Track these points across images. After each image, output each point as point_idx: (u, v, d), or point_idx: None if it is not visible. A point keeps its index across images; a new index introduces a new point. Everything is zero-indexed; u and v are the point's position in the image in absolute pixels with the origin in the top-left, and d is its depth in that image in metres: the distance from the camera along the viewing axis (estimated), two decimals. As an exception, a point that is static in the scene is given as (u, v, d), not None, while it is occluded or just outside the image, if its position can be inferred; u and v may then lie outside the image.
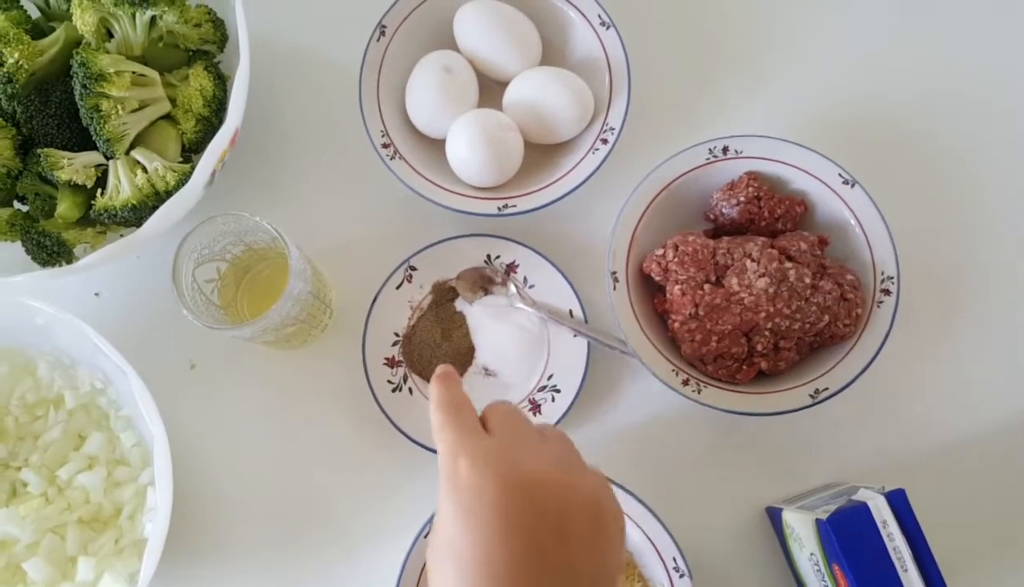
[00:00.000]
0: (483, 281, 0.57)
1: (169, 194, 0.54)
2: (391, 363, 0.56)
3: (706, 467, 0.55)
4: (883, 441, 0.55)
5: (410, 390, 0.56)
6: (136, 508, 0.52)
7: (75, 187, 0.55)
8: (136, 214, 0.53)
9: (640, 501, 0.50)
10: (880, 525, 0.45)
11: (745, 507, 0.55)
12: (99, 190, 0.55)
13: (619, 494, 0.50)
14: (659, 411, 0.56)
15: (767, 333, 0.51)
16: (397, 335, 0.57)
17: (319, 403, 0.57)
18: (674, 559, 0.50)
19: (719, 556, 0.54)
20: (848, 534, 0.45)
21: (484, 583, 0.32)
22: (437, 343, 0.56)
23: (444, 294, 0.57)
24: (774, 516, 0.54)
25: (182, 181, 0.54)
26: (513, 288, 0.56)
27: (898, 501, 0.45)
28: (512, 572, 0.32)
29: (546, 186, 0.56)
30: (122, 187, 0.54)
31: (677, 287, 0.51)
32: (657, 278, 0.53)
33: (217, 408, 0.58)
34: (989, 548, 0.53)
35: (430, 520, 0.51)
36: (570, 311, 0.56)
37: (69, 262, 0.52)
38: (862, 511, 0.45)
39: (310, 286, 0.51)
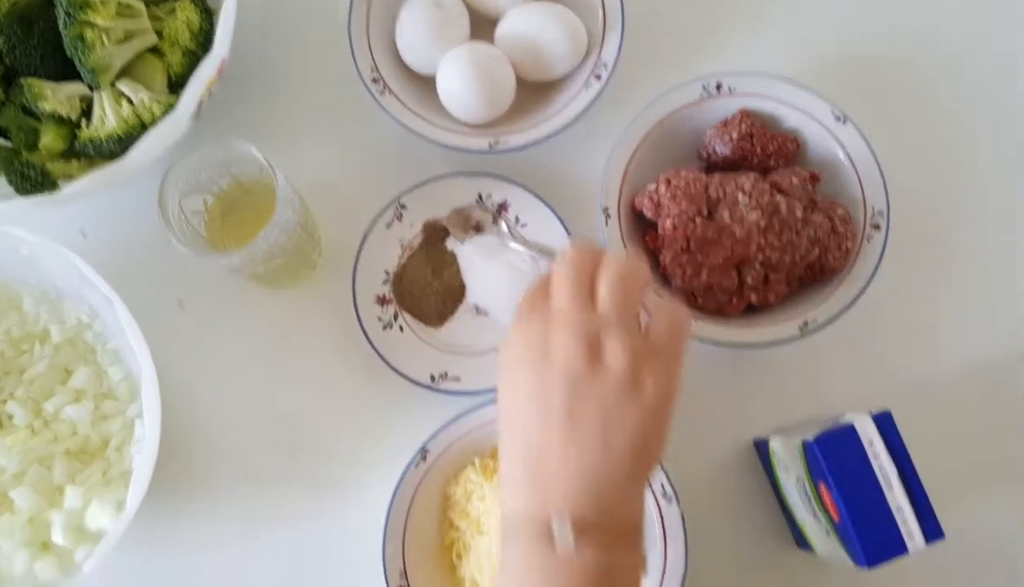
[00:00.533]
0: (474, 220, 0.57)
1: (155, 125, 0.53)
2: (382, 301, 0.56)
3: (696, 402, 0.55)
4: (871, 374, 0.56)
5: (400, 328, 0.56)
6: (123, 440, 0.52)
7: (59, 119, 0.54)
8: (122, 145, 0.52)
9: None
10: (866, 444, 0.45)
11: (733, 440, 0.55)
12: (84, 122, 0.54)
13: None
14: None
15: (758, 266, 0.51)
16: (387, 274, 0.56)
17: (309, 341, 0.57)
18: (662, 485, 0.51)
19: (706, 488, 0.54)
20: (834, 454, 0.45)
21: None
22: (428, 281, 0.56)
23: (435, 233, 0.57)
24: (761, 447, 0.54)
25: (168, 112, 0.53)
26: (504, 227, 0.56)
27: (884, 422, 0.46)
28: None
29: (538, 123, 0.56)
30: (107, 118, 0.53)
31: (669, 221, 0.52)
32: (649, 214, 0.53)
33: (206, 346, 0.57)
34: (973, 473, 0.54)
35: (420, 451, 0.51)
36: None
37: (53, 190, 0.51)
38: (848, 431, 0.46)
39: (298, 216, 0.50)
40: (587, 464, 0.37)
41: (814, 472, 0.47)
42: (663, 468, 0.51)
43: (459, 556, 0.53)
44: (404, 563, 0.51)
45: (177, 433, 0.55)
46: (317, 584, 0.54)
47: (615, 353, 0.38)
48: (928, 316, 0.57)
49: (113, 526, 0.48)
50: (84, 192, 0.50)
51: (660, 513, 0.51)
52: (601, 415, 0.37)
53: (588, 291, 0.40)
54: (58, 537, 0.49)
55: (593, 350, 0.38)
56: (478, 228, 0.57)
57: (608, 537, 0.37)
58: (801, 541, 0.53)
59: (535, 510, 0.37)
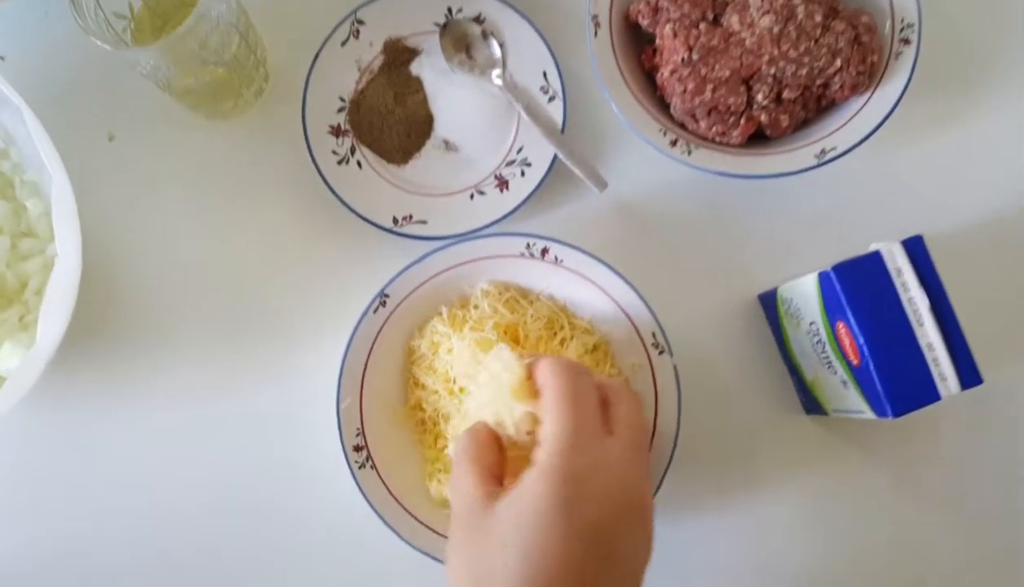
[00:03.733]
0: (468, 39, 0.50)
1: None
2: (336, 132, 0.49)
3: (694, 251, 0.49)
4: (896, 217, 0.48)
5: (359, 163, 0.49)
6: (43, 282, 0.45)
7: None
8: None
9: (616, 272, 0.44)
10: (893, 273, 0.39)
11: (735, 295, 0.49)
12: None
13: (591, 264, 0.45)
14: (646, 187, 0.50)
15: (770, 80, 0.44)
16: (343, 100, 0.49)
17: (254, 179, 0.50)
18: (653, 335, 0.45)
19: (705, 350, 0.48)
20: (856, 284, 0.39)
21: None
22: (389, 109, 0.49)
23: (398, 55, 0.50)
24: (767, 300, 0.48)
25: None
26: (496, 48, 0.49)
27: (915, 248, 0.39)
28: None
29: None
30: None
31: (668, 26, 0.44)
32: (645, 23, 0.46)
33: (139, 185, 0.50)
34: (1013, 315, 0.48)
35: (378, 295, 0.45)
36: (544, 73, 0.49)
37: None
38: (872, 259, 0.39)
39: (234, 18, 0.43)
40: None
41: (831, 309, 0.40)
42: (655, 316, 0.45)
43: (427, 419, 0.47)
44: (362, 422, 0.45)
45: (105, 282, 0.49)
46: (263, 454, 0.48)
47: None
48: (962, 148, 0.49)
49: (23, 367, 0.42)
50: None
51: (651, 364, 0.45)
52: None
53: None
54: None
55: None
56: (469, 51, 0.49)
57: None
58: (810, 406, 0.47)
59: None
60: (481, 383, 0.40)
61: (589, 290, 0.46)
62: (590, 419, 0.36)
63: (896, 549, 0.47)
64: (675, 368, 0.44)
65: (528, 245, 0.45)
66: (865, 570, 0.47)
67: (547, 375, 0.37)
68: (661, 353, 0.44)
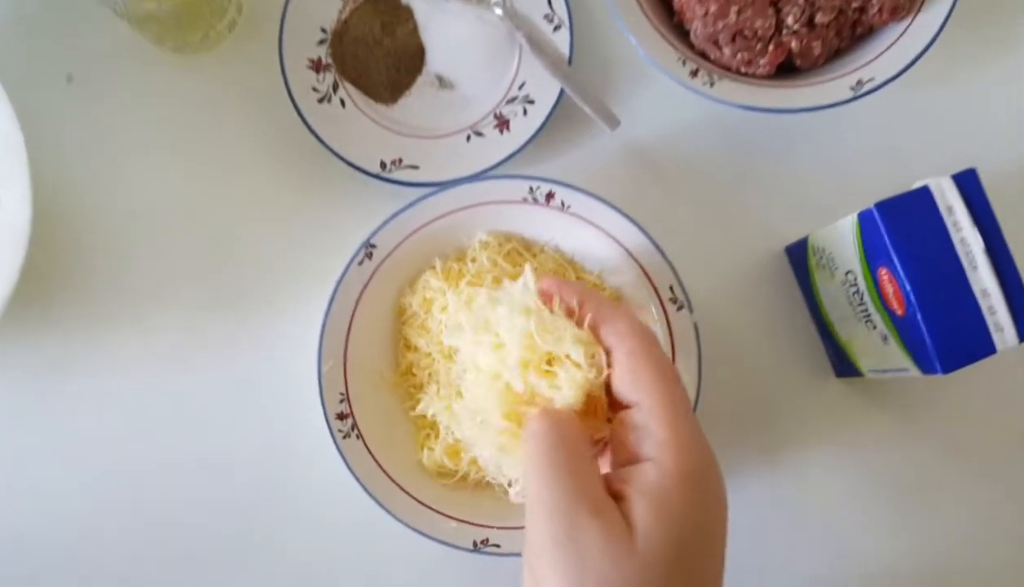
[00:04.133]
0: None
1: None
2: (317, 67, 0.44)
3: (714, 200, 0.45)
4: (939, 160, 0.42)
5: (342, 101, 0.44)
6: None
7: None
8: None
9: (629, 218, 0.40)
10: (944, 211, 0.34)
11: (759, 248, 0.44)
12: None
13: (602, 210, 0.40)
14: (662, 129, 0.45)
15: (801, 2, 0.39)
16: (324, 31, 0.44)
17: (227, 120, 0.45)
18: (671, 288, 0.40)
19: (725, 302, 0.44)
20: (901, 224, 0.34)
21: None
22: (376, 41, 0.44)
23: (386, -20, 0.45)
24: (795, 252, 0.44)
25: None
26: None
27: (968, 183, 0.35)
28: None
29: None
30: None
31: (687, -61, 0.40)
32: (661, -61, 0.41)
33: (101, 130, 0.45)
34: None
35: (364, 245, 0.40)
36: (548, 0, 0.44)
37: None
38: (920, 195, 0.35)
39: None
40: None
41: (872, 254, 0.36)
42: (673, 269, 0.40)
43: (419, 385, 0.43)
44: (346, 388, 0.41)
45: (63, 236, 0.44)
46: (240, 423, 0.44)
47: None
48: (1010, 78, 0.45)
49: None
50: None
51: (667, 320, 0.40)
52: None
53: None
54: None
55: None
56: None
57: None
58: (841, 367, 0.43)
59: None
60: (503, 328, 0.33)
61: (599, 240, 0.41)
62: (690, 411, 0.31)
63: (935, 518, 0.43)
64: (696, 326, 0.40)
65: (531, 189, 0.41)
66: (903, 545, 0.43)
67: (630, 337, 0.31)
68: (680, 309, 0.40)
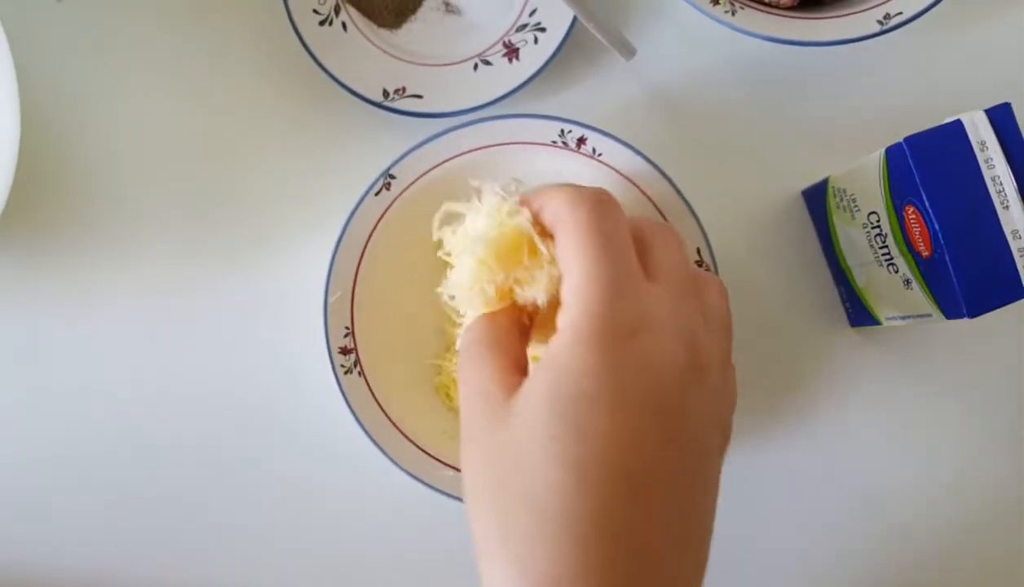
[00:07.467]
0: None
1: None
2: (319, -12, 0.42)
3: (728, 141, 0.43)
4: (971, 103, 0.39)
5: (343, 25, 0.42)
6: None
7: None
8: None
9: (667, 177, 0.38)
10: (976, 146, 0.33)
11: (773, 192, 0.43)
12: None
13: (637, 163, 0.38)
14: (677, 66, 0.43)
15: (830, -75, 0.38)
16: (327, -50, 0.42)
17: (222, 45, 0.43)
18: (698, 251, 0.39)
19: (737, 247, 0.42)
20: (931, 160, 0.33)
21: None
22: (381, -39, 0.42)
23: None
24: (813, 196, 0.42)
25: None
26: None
27: (1002, 118, 0.33)
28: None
29: None
30: None
31: None
32: None
33: (91, 51, 0.43)
34: None
35: (383, 175, 0.38)
36: (561, -76, 0.42)
37: None
38: (952, 129, 0.33)
39: None
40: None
41: (899, 192, 0.34)
42: (703, 230, 0.38)
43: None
44: (352, 322, 0.39)
45: (53, 164, 0.42)
46: (241, 357, 0.42)
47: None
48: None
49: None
50: None
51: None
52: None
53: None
54: None
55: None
56: None
57: None
58: (858, 316, 0.42)
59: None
60: (467, 240, 0.30)
61: (627, 194, 0.39)
62: (627, 260, 0.28)
63: (958, 468, 0.42)
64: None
65: (562, 132, 0.38)
66: (916, 495, 0.42)
67: (561, 209, 0.28)
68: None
